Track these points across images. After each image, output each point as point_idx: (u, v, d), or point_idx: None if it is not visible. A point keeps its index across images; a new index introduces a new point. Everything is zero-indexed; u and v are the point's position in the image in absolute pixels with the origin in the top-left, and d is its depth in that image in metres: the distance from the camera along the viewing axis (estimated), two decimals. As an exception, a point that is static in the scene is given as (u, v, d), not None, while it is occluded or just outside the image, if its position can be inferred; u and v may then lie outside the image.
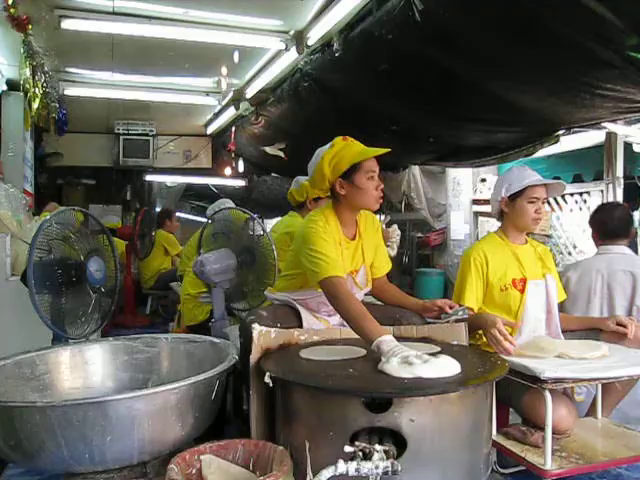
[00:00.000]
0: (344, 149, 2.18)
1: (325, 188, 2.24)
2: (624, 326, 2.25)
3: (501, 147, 4.44)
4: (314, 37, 3.83)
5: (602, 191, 4.54)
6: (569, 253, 4.97)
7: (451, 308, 2.19)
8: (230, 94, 5.60)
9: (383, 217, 8.53)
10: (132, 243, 5.93)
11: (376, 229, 2.40)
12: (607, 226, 2.79)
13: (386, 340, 1.78)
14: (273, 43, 4.15)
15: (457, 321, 2.15)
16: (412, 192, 6.48)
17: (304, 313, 2.23)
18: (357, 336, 2.07)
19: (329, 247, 2.09)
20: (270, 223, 10.69)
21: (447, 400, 1.58)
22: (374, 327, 1.87)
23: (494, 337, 2.10)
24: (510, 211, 2.43)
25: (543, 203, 2.41)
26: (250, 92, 5.31)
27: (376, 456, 1.44)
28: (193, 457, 1.64)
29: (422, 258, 7.14)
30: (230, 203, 4.10)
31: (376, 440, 1.54)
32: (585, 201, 4.78)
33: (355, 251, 2.28)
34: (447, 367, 1.66)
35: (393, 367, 1.65)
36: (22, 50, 3.89)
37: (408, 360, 1.65)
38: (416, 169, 6.39)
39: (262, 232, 3.21)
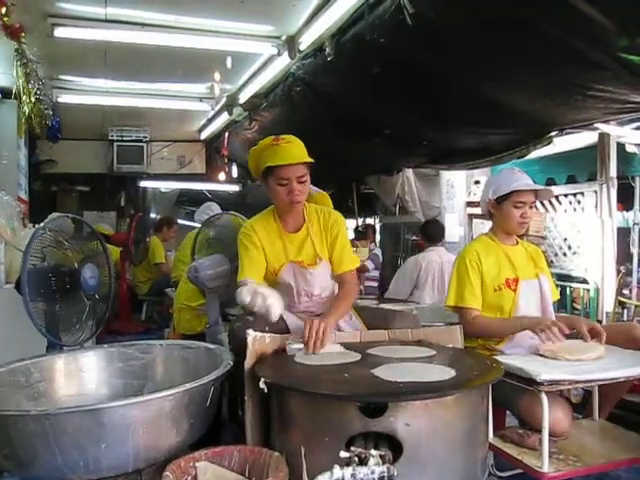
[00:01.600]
0: (266, 150, 2.26)
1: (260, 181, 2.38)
2: (597, 334, 2.22)
3: (494, 149, 4.46)
4: (306, 42, 3.83)
5: (596, 192, 4.55)
6: (564, 254, 4.97)
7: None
8: (223, 99, 5.60)
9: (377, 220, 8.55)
10: (127, 249, 5.92)
11: (333, 225, 2.38)
12: (432, 234, 4.61)
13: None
14: (265, 48, 4.15)
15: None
16: (406, 195, 6.49)
17: (288, 316, 2.24)
18: (352, 339, 2.10)
19: (247, 254, 2.30)
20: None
21: (443, 404, 1.58)
22: None
23: (547, 326, 2.09)
24: (497, 213, 2.44)
25: (531, 207, 2.41)
26: (243, 97, 5.31)
27: (372, 461, 1.44)
28: (188, 464, 1.64)
29: (417, 261, 7.13)
30: (216, 207, 4.08)
31: (372, 445, 1.54)
32: (579, 202, 4.79)
33: (303, 242, 2.34)
34: None
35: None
36: (15, 58, 3.88)
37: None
38: (410, 172, 6.41)
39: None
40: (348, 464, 1.44)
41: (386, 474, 1.41)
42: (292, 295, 2.32)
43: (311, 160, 2.24)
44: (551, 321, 2.12)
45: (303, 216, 2.38)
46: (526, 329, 2.20)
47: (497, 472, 2.14)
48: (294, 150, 2.23)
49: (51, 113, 5.26)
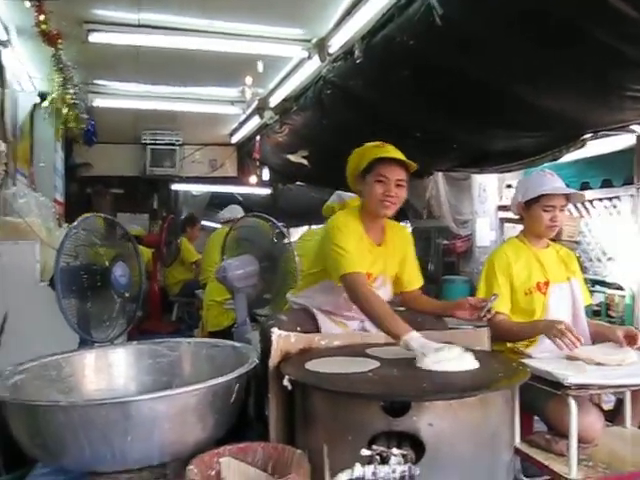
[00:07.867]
0: (370, 149, 2.23)
1: (353, 186, 2.33)
2: (633, 337, 2.16)
3: (527, 152, 4.37)
4: (336, 45, 3.86)
5: (632, 196, 4.45)
6: (599, 260, 4.86)
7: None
8: (254, 103, 5.66)
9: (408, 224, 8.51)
10: (159, 250, 6.02)
11: (406, 242, 2.40)
12: None
13: (414, 337, 1.82)
14: (296, 52, 4.19)
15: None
16: (432, 200, 6.45)
17: (321, 318, 2.23)
18: (377, 340, 2.08)
19: (351, 242, 2.12)
20: (295, 231, 10.71)
21: (466, 405, 1.56)
22: (400, 325, 1.89)
23: (560, 332, 2.01)
24: (526, 216, 2.40)
25: (561, 211, 2.35)
26: (274, 101, 5.36)
27: (393, 460, 1.43)
28: (212, 459, 1.65)
29: (448, 265, 7.07)
30: (239, 209, 4.10)
31: (394, 444, 1.53)
32: (615, 206, 4.68)
33: (378, 257, 2.27)
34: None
35: (427, 364, 1.72)
36: (52, 64, 4.00)
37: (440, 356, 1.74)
38: (439, 176, 6.36)
39: (285, 239, 3.23)
40: (370, 462, 1.44)
41: (407, 473, 1.40)
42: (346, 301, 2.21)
43: (415, 166, 2.17)
44: (565, 326, 2.06)
45: (384, 231, 2.32)
46: (541, 333, 2.15)
47: (524, 478, 2.10)
48: (399, 153, 2.21)
49: (87, 117, 5.40)
